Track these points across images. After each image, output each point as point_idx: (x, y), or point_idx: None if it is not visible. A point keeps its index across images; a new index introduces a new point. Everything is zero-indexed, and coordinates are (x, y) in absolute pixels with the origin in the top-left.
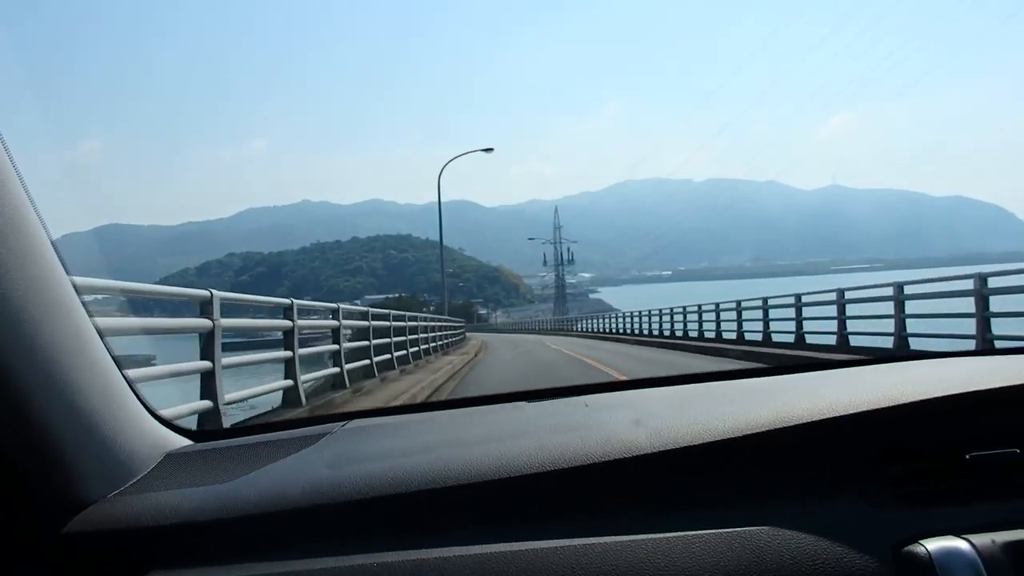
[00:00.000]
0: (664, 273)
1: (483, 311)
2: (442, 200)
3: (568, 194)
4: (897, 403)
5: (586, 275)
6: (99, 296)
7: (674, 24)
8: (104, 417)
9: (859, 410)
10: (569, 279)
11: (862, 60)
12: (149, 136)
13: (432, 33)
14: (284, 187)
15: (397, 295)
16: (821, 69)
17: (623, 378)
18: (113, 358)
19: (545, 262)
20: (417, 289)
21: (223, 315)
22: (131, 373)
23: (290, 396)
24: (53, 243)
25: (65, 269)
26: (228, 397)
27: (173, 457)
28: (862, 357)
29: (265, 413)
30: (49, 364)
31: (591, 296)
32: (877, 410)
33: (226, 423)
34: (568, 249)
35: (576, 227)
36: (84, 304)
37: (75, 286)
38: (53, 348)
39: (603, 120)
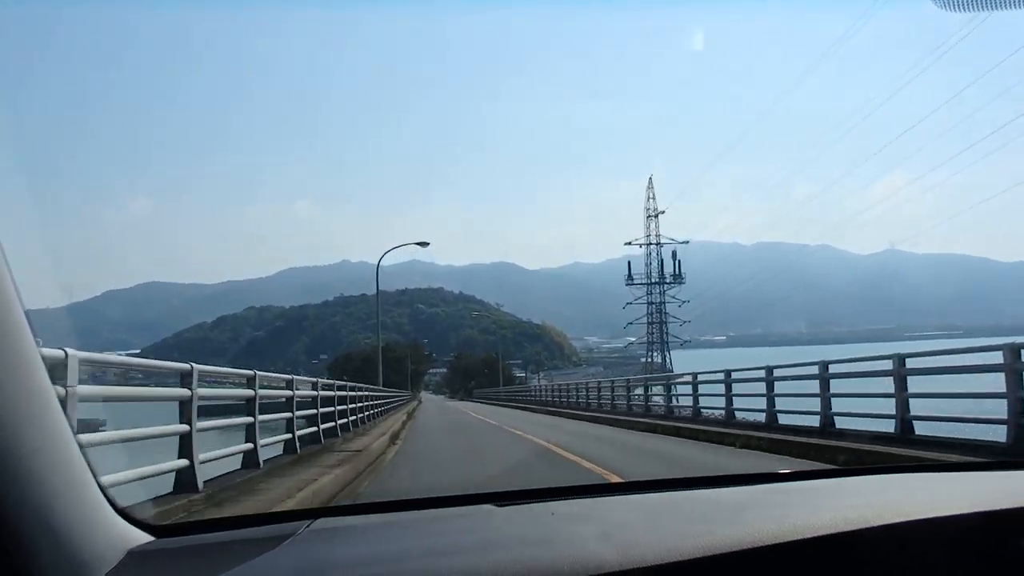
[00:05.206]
0: (717, 338)
1: (520, 373)
2: (484, 261)
3: (611, 257)
4: (862, 527)
5: (631, 338)
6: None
7: (715, 86)
8: (67, 508)
9: (822, 533)
10: (627, 340)
11: (913, 117)
12: (198, 198)
13: (478, 97)
14: (325, 247)
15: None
16: (871, 128)
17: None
18: (75, 437)
19: (631, 277)
20: (445, 347)
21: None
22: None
23: (184, 478)
24: (26, 312)
25: (35, 337)
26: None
27: (135, 556)
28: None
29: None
30: (12, 444)
31: (642, 360)
32: (839, 534)
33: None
34: (674, 255)
35: (624, 289)
36: (51, 375)
37: (43, 357)
38: (17, 424)
39: (643, 182)
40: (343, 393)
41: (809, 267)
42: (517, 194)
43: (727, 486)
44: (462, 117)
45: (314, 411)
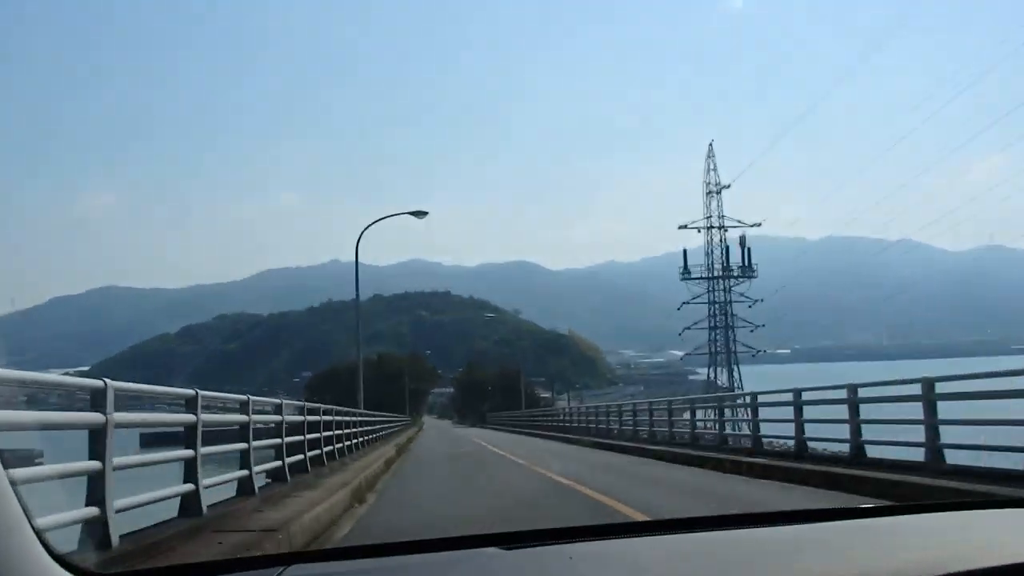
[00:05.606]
0: (781, 351)
1: (546, 393)
2: (498, 261)
3: (648, 255)
4: (938, 573)
5: (677, 353)
6: None
7: (778, 53)
8: None
9: None
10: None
11: (1016, 89)
12: (164, 188)
13: (488, 75)
14: (313, 246)
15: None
16: (967, 102)
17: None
18: (7, 472)
19: (687, 269)
20: (453, 361)
21: None
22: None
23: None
24: None
25: None
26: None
27: None
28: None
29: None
30: None
31: (691, 377)
32: None
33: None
34: (742, 241)
35: (667, 294)
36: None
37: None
38: None
39: (691, 170)
40: (267, 417)
41: (888, 266)
42: (537, 183)
43: (769, 525)
44: (472, 93)
45: (191, 453)
